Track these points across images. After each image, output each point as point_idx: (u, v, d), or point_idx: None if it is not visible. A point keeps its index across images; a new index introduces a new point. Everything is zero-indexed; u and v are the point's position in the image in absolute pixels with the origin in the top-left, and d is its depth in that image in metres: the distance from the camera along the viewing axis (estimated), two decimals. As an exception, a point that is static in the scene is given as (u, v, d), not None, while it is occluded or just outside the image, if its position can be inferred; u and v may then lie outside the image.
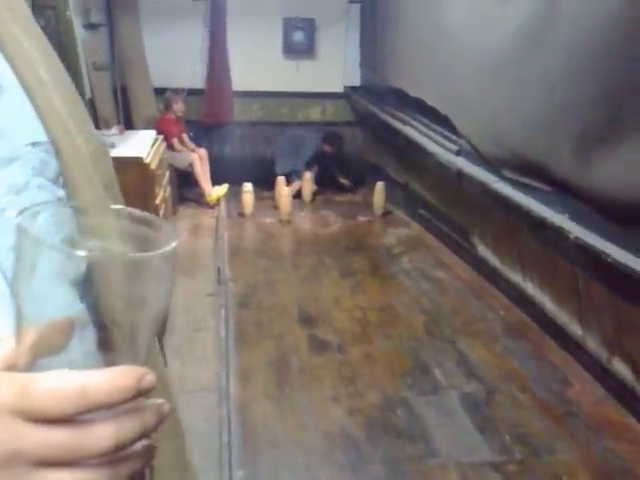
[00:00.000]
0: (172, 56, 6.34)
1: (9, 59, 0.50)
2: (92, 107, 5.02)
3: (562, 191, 3.03)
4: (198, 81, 6.62)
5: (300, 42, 6.79)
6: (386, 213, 5.92)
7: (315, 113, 7.12)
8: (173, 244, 0.35)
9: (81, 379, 0.32)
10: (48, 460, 0.32)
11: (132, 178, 3.18)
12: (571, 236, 2.81)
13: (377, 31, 6.31)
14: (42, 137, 0.51)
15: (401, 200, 5.97)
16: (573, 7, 2.77)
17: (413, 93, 5.23)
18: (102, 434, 0.33)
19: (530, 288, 3.59)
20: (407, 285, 4.24)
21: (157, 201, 3.45)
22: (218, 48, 6.55)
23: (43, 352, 0.34)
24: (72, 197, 0.51)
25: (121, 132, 4.30)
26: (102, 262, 0.36)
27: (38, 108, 0.51)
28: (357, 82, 7.04)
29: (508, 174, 3.58)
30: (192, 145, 6.23)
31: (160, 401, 0.36)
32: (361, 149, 7.06)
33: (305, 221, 5.80)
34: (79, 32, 4.78)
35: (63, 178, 0.51)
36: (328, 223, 5.71)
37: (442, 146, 4.52)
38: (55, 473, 0.32)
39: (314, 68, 6.89)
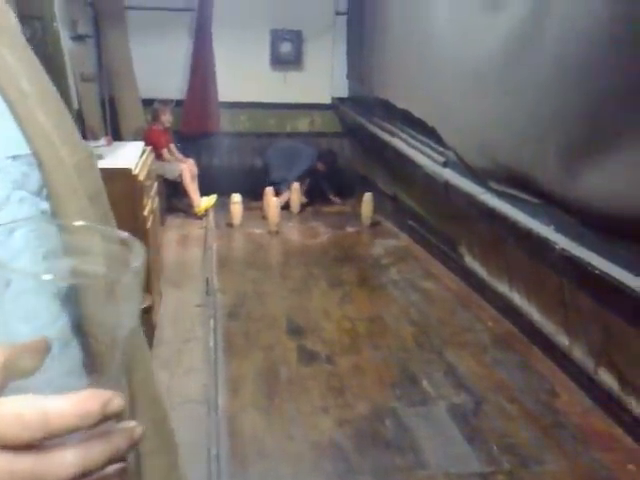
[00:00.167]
0: (160, 67, 6.36)
1: None
2: (80, 118, 5.01)
3: (548, 203, 3.06)
4: (185, 92, 6.64)
5: (287, 53, 6.83)
6: (374, 224, 5.95)
7: (303, 124, 7.15)
8: (138, 263, 0.35)
9: (43, 405, 0.32)
10: None
11: (120, 189, 3.17)
12: (557, 247, 2.83)
13: (364, 42, 6.36)
14: (23, 150, 0.50)
15: (389, 211, 6.00)
16: (559, 19, 2.81)
17: (400, 105, 5.27)
18: (68, 460, 0.32)
19: (517, 299, 3.62)
20: (395, 296, 4.25)
21: (145, 212, 3.44)
22: (203, 59, 6.57)
23: (14, 374, 0.33)
24: (56, 209, 0.50)
25: (109, 143, 4.29)
26: (73, 284, 0.36)
27: (20, 120, 0.50)
28: (345, 93, 7.09)
29: (495, 186, 3.61)
30: (180, 156, 6.24)
31: (132, 424, 0.35)
32: (349, 160, 7.09)
33: (294, 232, 5.81)
34: (66, 43, 4.78)
35: (46, 190, 0.50)
36: (317, 234, 5.72)
37: (429, 158, 4.55)
38: None
39: (302, 79, 6.93)
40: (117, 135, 5.72)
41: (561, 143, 2.86)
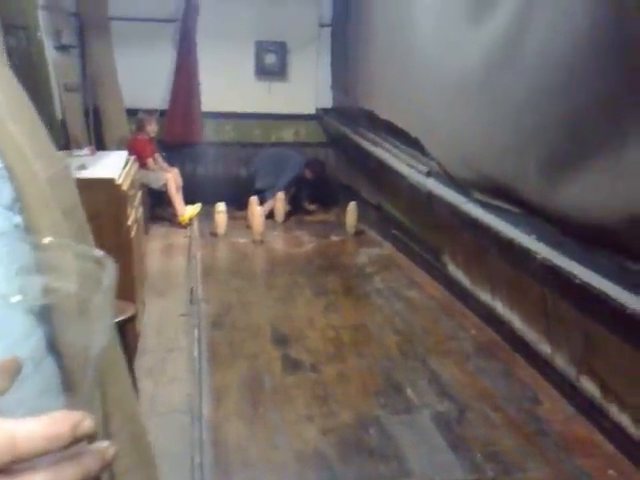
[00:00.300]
0: (144, 77, 6.37)
1: None
2: (64, 128, 5.00)
3: (530, 213, 3.09)
4: (170, 102, 6.66)
5: (272, 64, 6.88)
6: (359, 233, 5.97)
7: (288, 134, 7.18)
8: (109, 282, 0.35)
9: (11, 428, 0.31)
10: None
11: (103, 199, 3.17)
12: (538, 257, 2.86)
13: (347, 54, 6.41)
14: None
15: (374, 220, 6.03)
16: (540, 32, 2.86)
17: (383, 115, 5.31)
18: None
19: (500, 307, 3.65)
20: (380, 304, 4.27)
21: (129, 222, 3.43)
22: (186, 69, 6.60)
23: None
24: (29, 223, 0.49)
25: (92, 153, 4.27)
26: (44, 304, 0.36)
27: None
28: (329, 104, 7.13)
29: (477, 196, 3.64)
30: (165, 165, 6.23)
31: (104, 445, 0.35)
32: (334, 170, 7.12)
33: (278, 241, 5.82)
34: (50, 53, 4.78)
35: (19, 204, 0.49)
36: (301, 243, 5.73)
37: (413, 168, 4.58)
38: None
39: (286, 90, 6.97)
40: (101, 145, 5.71)
41: (542, 154, 2.90)
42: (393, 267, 5.03)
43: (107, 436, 0.36)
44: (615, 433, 2.57)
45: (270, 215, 6.21)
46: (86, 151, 4.21)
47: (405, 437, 2.71)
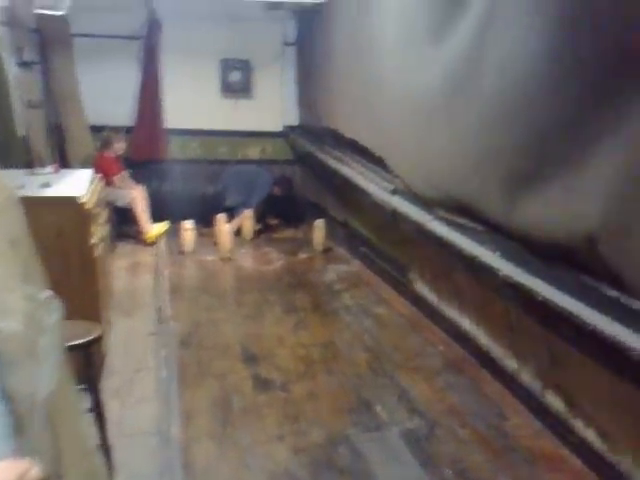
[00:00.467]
0: (109, 94, 6.33)
1: None
2: (26, 145, 4.93)
3: (493, 230, 3.16)
4: (134, 119, 6.62)
5: (237, 82, 6.93)
6: (327, 250, 6.00)
7: (254, 152, 7.20)
8: (55, 322, 0.36)
9: None
10: None
11: (67, 218, 3.13)
12: (501, 274, 2.92)
13: (311, 72, 6.47)
14: None
15: (341, 237, 6.07)
16: (499, 54, 2.93)
17: (347, 134, 5.37)
18: None
19: (467, 324, 3.71)
20: (349, 321, 4.29)
21: (94, 240, 3.39)
22: (150, 86, 6.58)
23: None
24: None
25: (56, 171, 4.22)
26: None
27: None
28: (296, 121, 7.18)
29: (442, 214, 3.70)
30: (131, 183, 6.18)
31: None
32: (301, 187, 7.16)
33: (246, 258, 5.80)
34: (12, 70, 4.72)
35: None
36: (270, 260, 5.73)
37: (378, 185, 4.63)
38: None
39: (253, 108, 7.00)
40: (65, 162, 5.64)
41: (503, 173, 2.96)
42: (361, 284, 5.07)
43: (58, 477, 0.36)
44: (581, 448, 2.62)
45: (238, 232, 6.20)
46: (50, 169, 4.15)
47: (375, 455, 2.72)
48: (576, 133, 2.45)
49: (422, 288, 4.35)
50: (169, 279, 5.02)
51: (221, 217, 5.98)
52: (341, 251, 5.97)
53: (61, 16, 5.66)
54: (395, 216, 4.24)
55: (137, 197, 5.98)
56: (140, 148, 6.59)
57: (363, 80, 4.86)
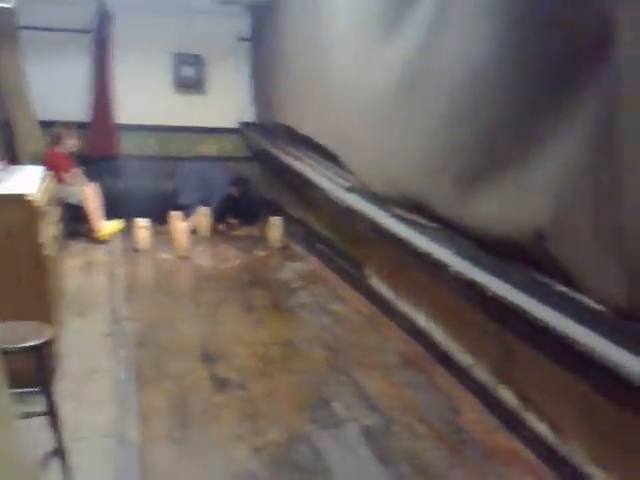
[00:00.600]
0: (60, 89, 6.21)
1: None
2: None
3: (446, 227, 3.21)
4: (85, 114, 6.49)
5: (191, 77, 6.87)
6: (284, 247, 6.00)
7: (211, 148, 7.14)
8: None
9: None
10: None
11: (17, 216, 3.06)
12: (453, 270, 2.98)
13: (266, 69, 6.46)
14: None
15: (298, 234, 6.08)
16: (448, 55, 2.97)
17: (302, 131, 5.37)
18: None
19: (423, 320, 3.76)
20: (307, 319, 4.31)
21: (45, 239, 3.32)
22: (102, 81, 6.48)
23: None
24: None
25: (5, 167, 4.11)
26: None
27: None
28: (252, 118, 7.14)
29: (397, 211, 3.74)
30: (84, 180, 6.06)
31: None
32: (258, 184, 7.13)
33: (204, 256, 5.76)
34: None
35: None
36: (227, 258, 5.70)
37: (334, 183, 4.65)
38: None
39: (207, 104, 6.96)
40: (14, 159, 5.49)
41: (454, 171, 3.01)
42: (319, 281, 5.09)
43: None
44: (534, 442, 2.69)
45: (194, 230, 6.14)
46: (-2, 166, 4.04)
47: (334, 452, 2.74)
48: (524, 132, 2.51)
49: (379, 285, 4.39)
50: (124, 278, 4.94)
51: (176, 215, 5.92)
52: (298, 248, 5.98)
53: (7, 8, 5.49)
54: (351, 213, 4.27)
55: (90, 194, 5.87)
56: (94, 144, 6.47)
57: (316, 77, 4.85)
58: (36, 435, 2.40)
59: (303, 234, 5.98)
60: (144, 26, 6.39)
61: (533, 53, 2.40)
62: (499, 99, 2.63)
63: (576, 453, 2.45)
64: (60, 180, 5.42)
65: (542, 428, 2.66)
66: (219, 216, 6.50)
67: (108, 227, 5.94)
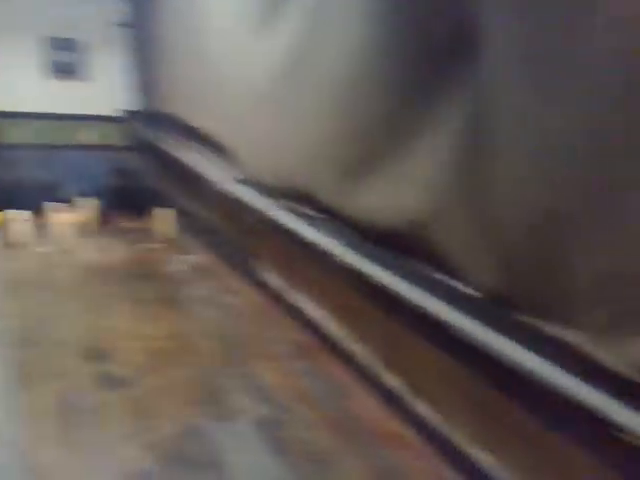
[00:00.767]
0: None
1: None
2: None
3: (331, 218, 3.30)
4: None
5: (67, 63, 6.58)
6: (173, 240, 5.90)
7: (92, 136, 6.87)
8: None
9: None
10: None
11: None
12: (338, 260, 3.07)
13: (147, 56, 6.29)
14: None
15: (188, 226, 6.00)
16: (324, 49, 3.01)
17: (187, 119, 5.28)
18: None
19: (313, 310, 3.84)
20: (198, 312, 4.28)
21: None
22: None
23: None
24: None
25: None
26: None
27: None
28: (136, 106, 6.94)
29: (284, 202, 3.78)
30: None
31: None
32: (144, 175, 6.95)
33: (89, 250, 5.55)
34: None
35: None
36: (113, 251, 5.53)
37: (222, 174, 4.62)
38: None
39: (90, 91, 6.68)
40: None
41: (336, 162, 3.09)
42: (210, 274, 5.05)
43: None
44: (420, 426, 2.82)
45: (78, 223, 5.90)
46: None
47: (227, 444, 2.76)
48: (400, 125, 2.60)
49: (270, 277, 4.43)
50: (1, 274, 4.68)
51: (56, 206, 5.66)
52: (188, 241, 5.90)
53: None
54: (239, 205, 4.27)
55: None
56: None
57: (198, 65, 4.77)
58: None
59: (193, 226, 5.91)
60: (13, 6, 6.03)
61: (409, 45, 2.44)
62: (375, 91, 2.69)
63: (459, 435, 2.59)
64: None
65: (428, 413, 2.79)
66: (105, 208, 6.28)
67: (-19, 220, 5.59)
